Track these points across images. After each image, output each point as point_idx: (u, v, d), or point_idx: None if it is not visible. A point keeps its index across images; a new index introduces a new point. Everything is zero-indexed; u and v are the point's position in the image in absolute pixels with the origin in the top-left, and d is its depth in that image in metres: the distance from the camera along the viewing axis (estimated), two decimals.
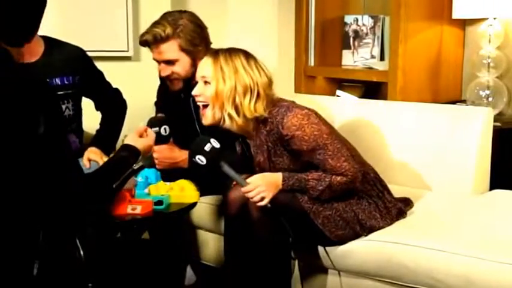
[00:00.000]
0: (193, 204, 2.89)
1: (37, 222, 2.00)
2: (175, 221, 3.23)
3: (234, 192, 2.81)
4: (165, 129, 2.91)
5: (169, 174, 2.99)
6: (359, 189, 2.82)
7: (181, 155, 3.08)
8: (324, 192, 2.72)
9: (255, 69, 2.68)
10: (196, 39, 3.13)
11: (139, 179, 2.85)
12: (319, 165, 2.71)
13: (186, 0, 4.34)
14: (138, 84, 3.64)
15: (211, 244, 3.38)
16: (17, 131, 1.92)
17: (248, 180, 2.66)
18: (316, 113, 2.75)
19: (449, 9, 4.07)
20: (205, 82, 2.69)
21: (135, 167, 2.47)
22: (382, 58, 4.41)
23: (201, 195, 2.90)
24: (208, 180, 3.08)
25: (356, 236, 2.79)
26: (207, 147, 2.59)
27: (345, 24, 4.63)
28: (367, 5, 4.56)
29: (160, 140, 2.87)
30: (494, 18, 4.00)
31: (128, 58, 4.18)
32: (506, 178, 3.44)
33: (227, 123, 2.69)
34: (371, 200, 2.85)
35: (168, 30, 3.06)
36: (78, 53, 3.25)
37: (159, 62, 3.16)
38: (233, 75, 2.64)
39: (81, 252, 2.48)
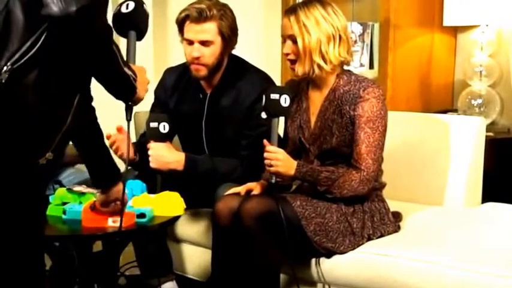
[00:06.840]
0: (177, 217, 2.85)
1: None
2: (158, 234, 3.21)
3: (223, 203, 2.79)
4: (164, 126, 2.95)
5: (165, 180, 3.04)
6: (364, 197, 2.81)
7: (177, 156, 3.03)
8: (334, 186, 2.73)
9: (333, 15, 2.79)
10: (235, 28, 3.12)
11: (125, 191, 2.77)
12: (354, 143, 2.76)
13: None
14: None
15: (196, 257, 3.34)
16: None
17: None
18: None
19: (440, 16, 4.03)
20: (293, 40, 2.80)
21: None
22: (371, 66, 4.36)
23: (188, 207, 2.88)
24: (195, 192, 3.04)
25: (346, 248, 2.76)
26: (284, 99, 2.69)
27: None
28: (356, 11, 4.50)
29: (158, 136, 2.95)
30: (487, 26, 3.96)
31: None
32: (499, 190, 3.43)
33: (316, 72, 2.79)
34: (369, 213, 2.82)
35: (214, 10, 3.03)
36: None
37: (192, 42, 3.08)
38: (316, 27, 2.75)
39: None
